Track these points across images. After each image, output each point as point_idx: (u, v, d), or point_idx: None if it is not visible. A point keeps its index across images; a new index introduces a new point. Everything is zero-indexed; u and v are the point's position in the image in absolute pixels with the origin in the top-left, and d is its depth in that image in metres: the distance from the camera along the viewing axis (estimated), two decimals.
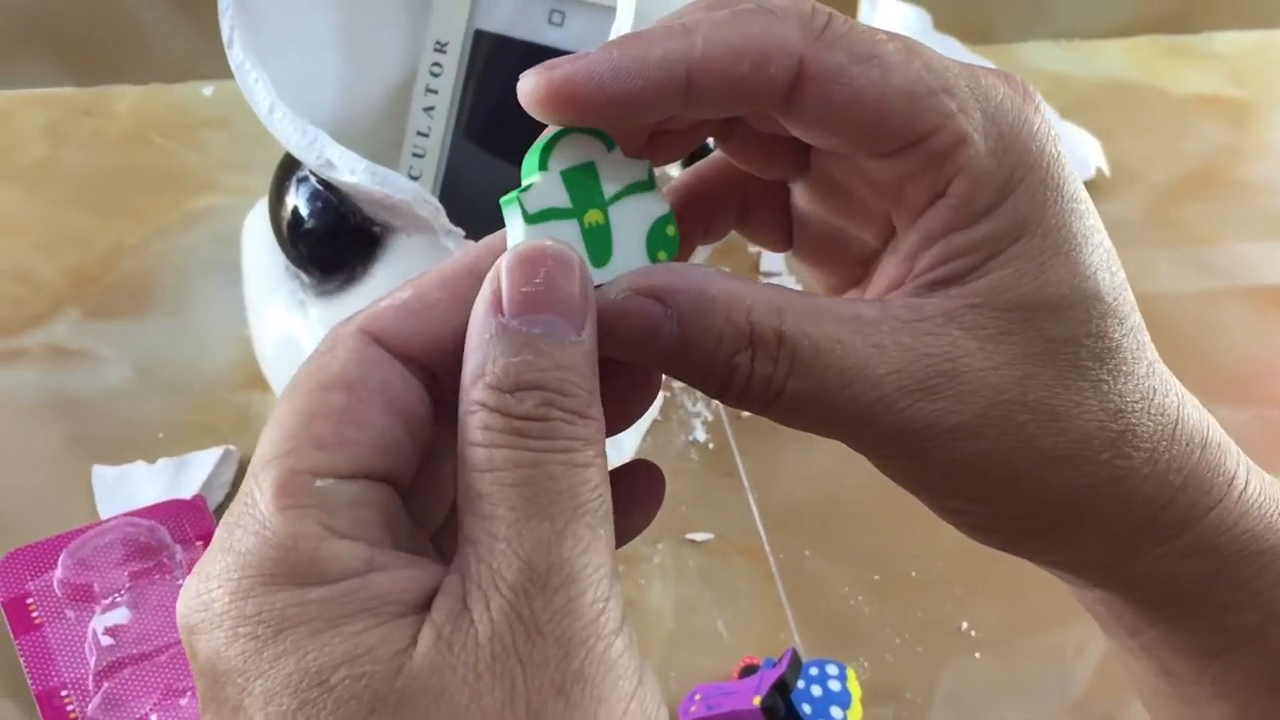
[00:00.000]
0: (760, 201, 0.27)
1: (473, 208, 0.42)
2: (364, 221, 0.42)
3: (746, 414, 0.54)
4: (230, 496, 0.48)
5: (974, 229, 0.23)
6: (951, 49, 0.73)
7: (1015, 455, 0.23)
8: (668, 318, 0.22)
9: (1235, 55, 0.81)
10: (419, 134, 0.47)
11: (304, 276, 0.45)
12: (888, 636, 0.46)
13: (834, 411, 0.22)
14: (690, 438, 0.53)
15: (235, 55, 0.40)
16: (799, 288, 0.59)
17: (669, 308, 0.22)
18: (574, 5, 0.45)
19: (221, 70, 0.67)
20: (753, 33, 0.22)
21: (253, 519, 0.19)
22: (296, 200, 0.44)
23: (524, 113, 0.46)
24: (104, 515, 0.46)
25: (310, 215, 0.43)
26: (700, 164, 0.27)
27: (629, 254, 0.22)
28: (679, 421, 0.53)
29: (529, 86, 0.22)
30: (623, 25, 0.36)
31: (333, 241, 0.43)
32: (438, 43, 0.46)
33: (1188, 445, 0.24)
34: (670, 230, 0.22)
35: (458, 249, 0.41)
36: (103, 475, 0.48)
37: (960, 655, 0.46)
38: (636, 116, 0.22)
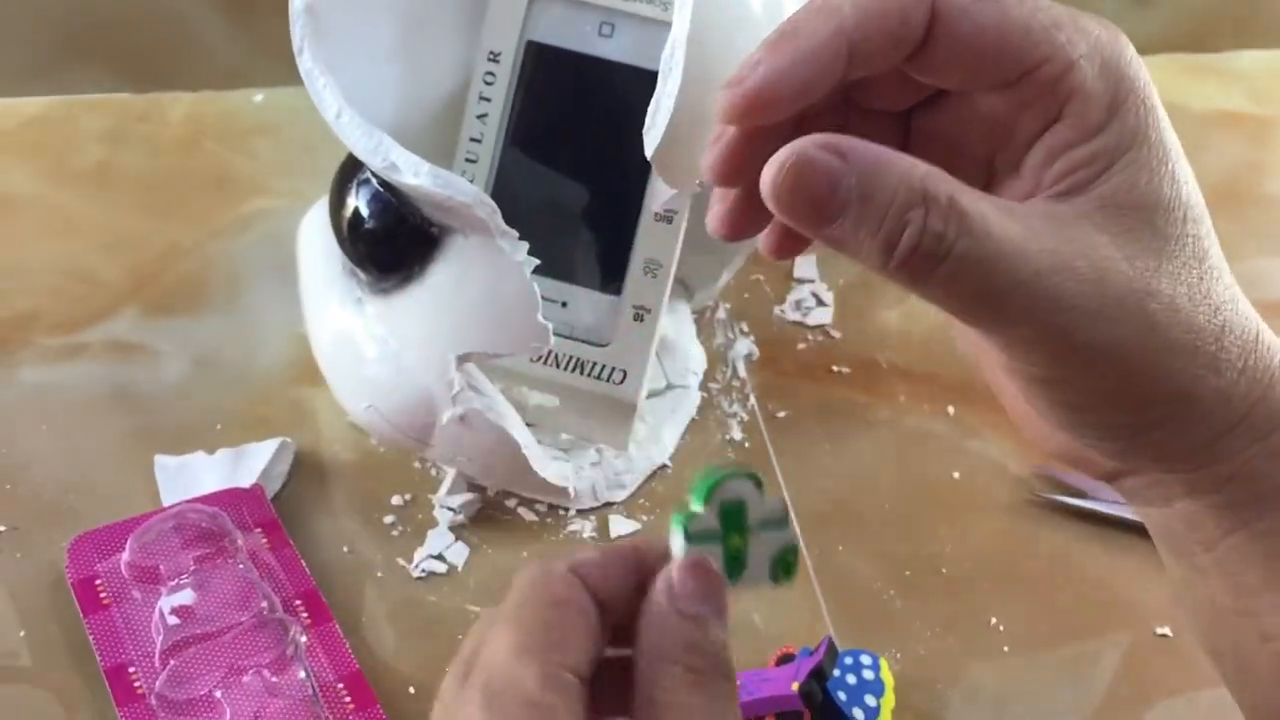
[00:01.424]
0: None
1: (521, 210, 0.44)
2: (422, 222, 0.44)
3: (781, 414, 0.55)
4: (287, 486, 0.50)
5: (1090, 143, 0.26)
6: None
7: (1145, 343, 0.26)
8: (847, 172, 0.24)
9: (1255, 73, 0.83)
10: (472, 140, 0.49)
11: (361, 275, 0.47)
12: (919, 630, 0.48)
13: (991, 281, 0.25)
14: (727, 437, 0.54)
15: (305, 63, 0.42)
16: (830, 293, 0.61)
17: (850, 163, 0.24)
18: (623, 17, 0.47)
19: (270, 78, 0.70)
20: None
21: (522, 696, 0.24)
22: (357, 201, 0.46)
23: (570, 120, 0.48)
24: (166, 502, 0.48)
25: (370, 216, 0.45)
26: None
27: (757, 573, 0.27)
28: (716, 421, 0.55)
29: (725, 103, 0.26)
30: (679, 36, 0.38)
31: (392, 241, 0.45)
32: (491, 53, 0.48)
33: (1269, 350, 0.28)
34: (791, 558, 0.27)
35: (512, 250, 0.43)
36: (165, 464, 0.49)
37: (990, 649, 0.48)
38: (812, 98, 0.26)
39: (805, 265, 0.63)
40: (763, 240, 0.30)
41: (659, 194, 0.44)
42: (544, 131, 0.49)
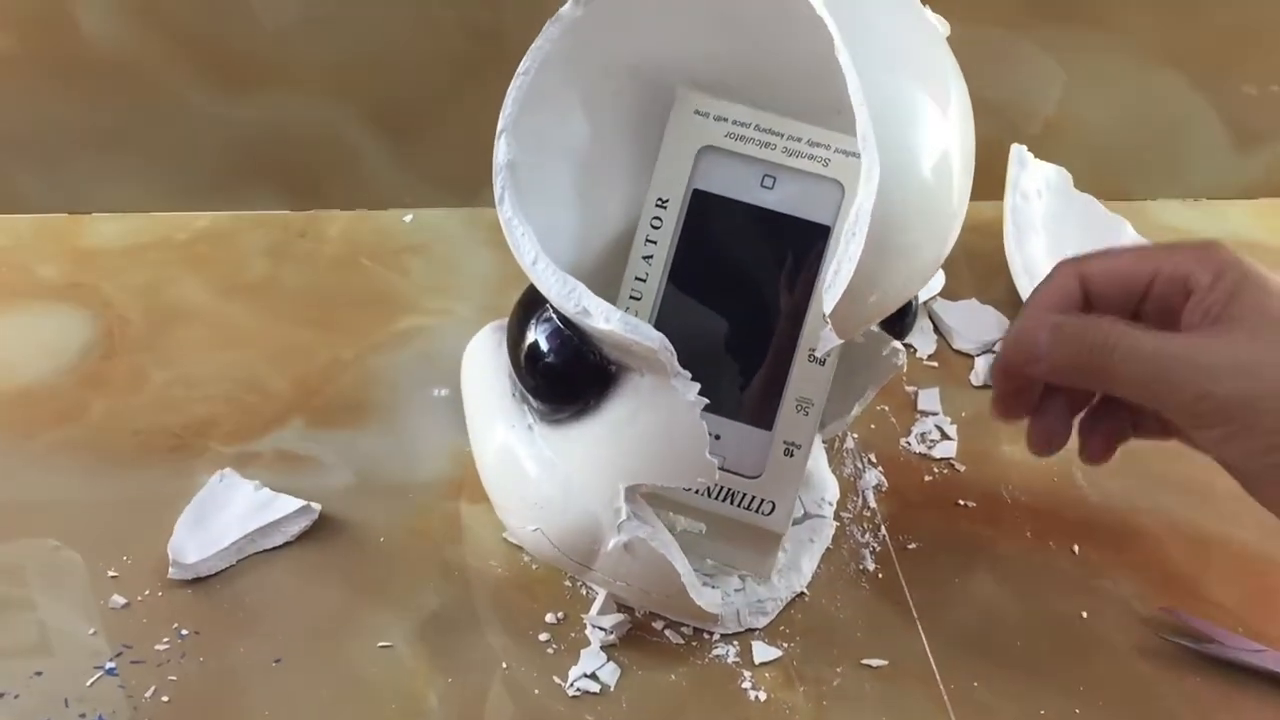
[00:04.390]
0: None
1: (678, 345, 0.46)
2: (601, 360, 0.47)
3: (912, 545, 0.57)
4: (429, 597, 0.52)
5: (1211, 294, 0.43)
6: (1090, 205, 0.77)
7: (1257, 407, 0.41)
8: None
9: None
10: (637, 279, 0.52)
11: (534, 403, 0.50)
12: None
13: (1156, 365, 0.43)
14: (861, 567, 0.56)
15: (505, 211, 0.46)
16: (954, 426, 0.64)
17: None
18: (785, 171, 0.50)
19: (419, 200, 0.74)
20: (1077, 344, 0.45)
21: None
22: (537, 335, 0.49)
23: (729, 263, 0.52)
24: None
25: (550, 351, 0.48)
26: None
27: None
28: (850, 551, 0.57)
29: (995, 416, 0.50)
30: (865, 207, 0.41)
31: (571, 377, 0.48)
32: (660, 199, 0.52)
33: None
34: None
35: (685, 390, 0.45)
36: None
37: None
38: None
39: (928, 398, 0.66)
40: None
41: (822, 341, 0.47)
42: (704, 273, 0.52)
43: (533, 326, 0.49)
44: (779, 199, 0.50)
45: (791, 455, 0.51)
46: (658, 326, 0.46)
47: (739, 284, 0.52)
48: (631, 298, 0.52)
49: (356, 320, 0.66)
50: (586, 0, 0.47)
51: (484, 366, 0.54)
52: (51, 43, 0.65)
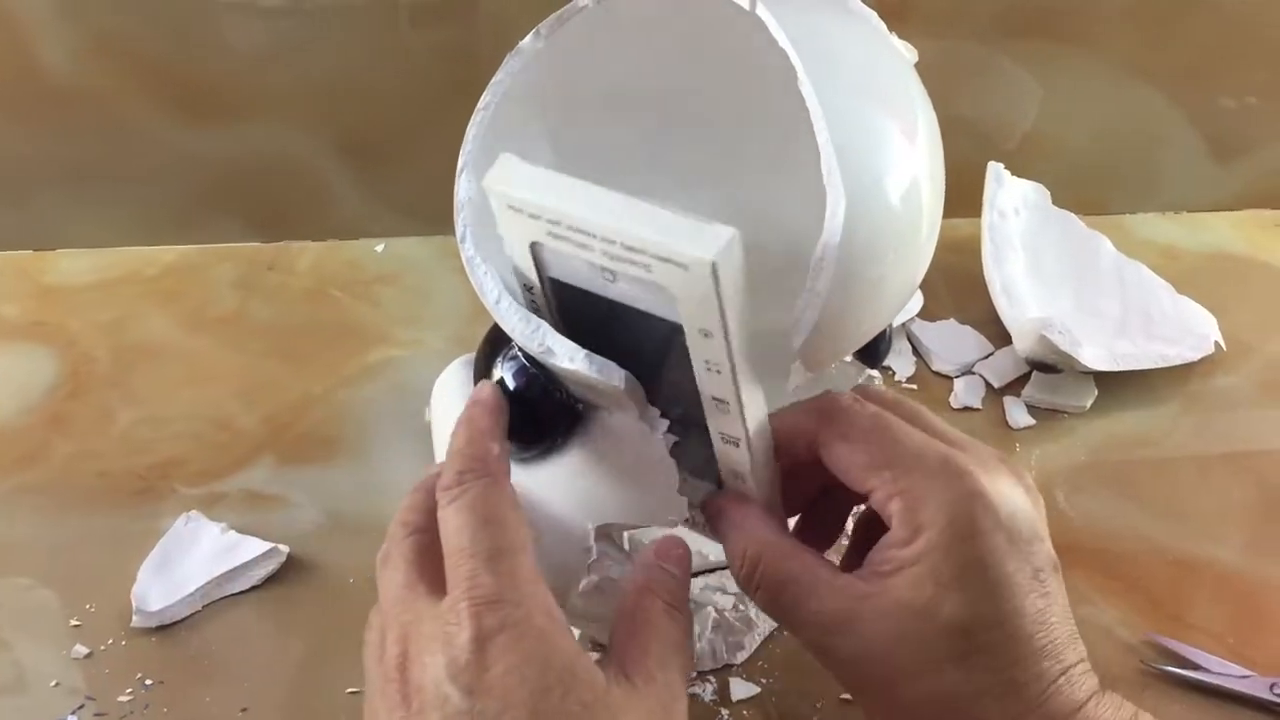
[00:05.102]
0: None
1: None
2: (569, 398, 0.46)
3: None
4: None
5: (896, 551, 0.37)
6: (1068, 221, 0.77)
7: (875, 693, 0.38)
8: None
9: None
10: None
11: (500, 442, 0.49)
12: None
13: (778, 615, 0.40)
14: None
15: (467, 250, 0.45)
16: None
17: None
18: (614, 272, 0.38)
19: (390, 229, 0.74)
20: (789, 424, 0.41)
21: (536, 581, 0.35)
22: (503, 373, 0.48)
23: (617, 353, 0.42)
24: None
25: (517, 389, 0.47)
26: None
27: None
28: None
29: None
30: (830, 242, 0.40)
31: (537, 415, 0.47)
32: (525, 284, 0.42)
33: None
34: None
35: (655, 428, 0.44)
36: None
37: None
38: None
39: None
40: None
41: (792, 375, 0.46)
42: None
43: (499, 364, 0.48)
44: (624, 292, 0.38)
45: None
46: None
47: (639, 371, 0.42)
48: None
49: (327, 353, 0.65)
50: (547, 33, 0.46)
51: (452, 402, 0.53)
52: (11, 76, 0.64)
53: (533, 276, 0.40)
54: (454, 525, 0.35)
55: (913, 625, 0.36)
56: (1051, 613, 0.37)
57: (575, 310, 0.41)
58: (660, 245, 0.34)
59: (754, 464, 0.41)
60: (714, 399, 0.39)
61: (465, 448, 0.38)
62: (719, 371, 0.37)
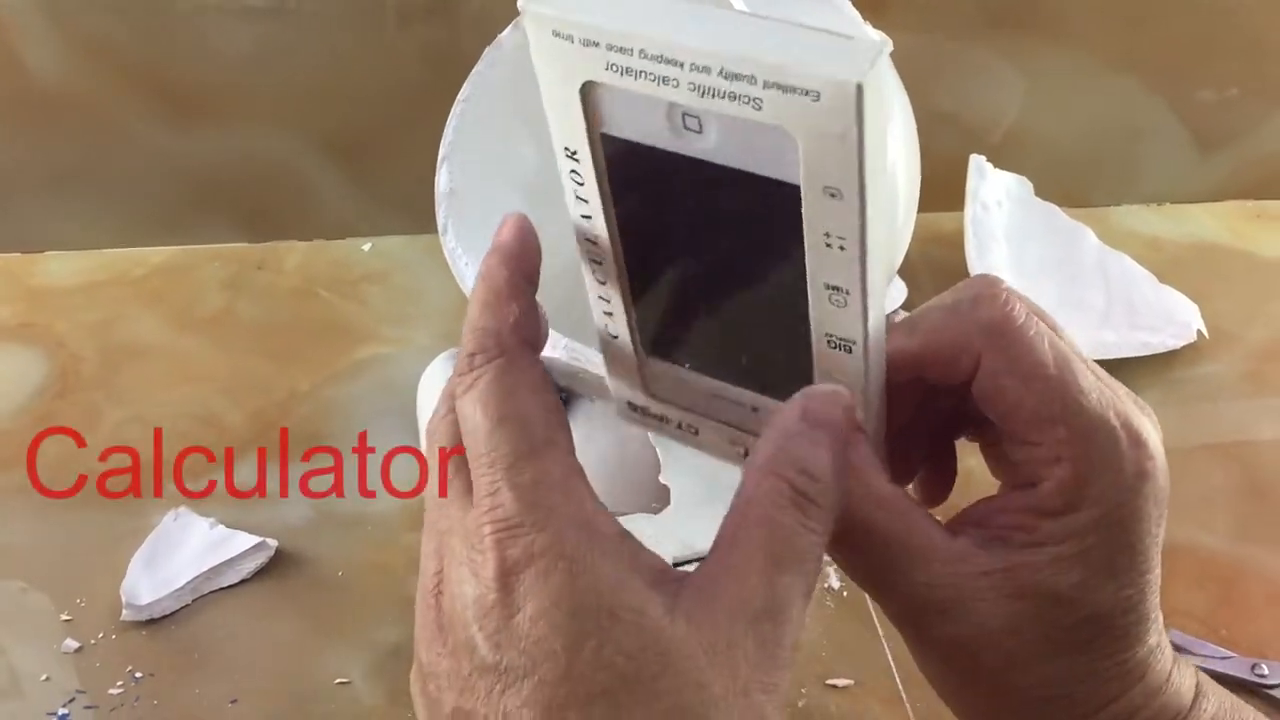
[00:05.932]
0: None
1: (677, 337, 0.35)
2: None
3: None
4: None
5: (1041, 526, 0.30)
6: (1052, 214, 0.77)
7: (982, 679, 0.31)
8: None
9: None
10: (593, 262, 0.36)
11: None
12: None
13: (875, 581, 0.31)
14: (826, 584, 0.56)
15: (449, 243, 0.46)
16: None
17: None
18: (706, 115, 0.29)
19: (377, 228, 0.74)
20: (948, 335, 0.31)
21: (556, 488, 0.27)
22: None
23: (688, 231, 0.31)
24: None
25: None
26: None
27: None
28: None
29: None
30: None
31: None
32: (567, 149, 0.32)
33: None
34: None
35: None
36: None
37: None
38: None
39: None
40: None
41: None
42: (664, 241, 0.33)
43: None
44: (714, 147, 0.29)
45: None
46: (641, 316, 0.34)
47: (704, 248, 0.33)
48: (605, 314, 0.36)
49: (315, 351, 0.65)
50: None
51: (437, 396, 0.54)
52: None
53: (578, 135, 0.30)
54: (469, 425, 0.28)
55: (1049, 612, 0.30)
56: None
57: (634, 182, 0.30)
58: (781, 67, 0.25)
59: (868, 379, 0.31)
60: (828, 287, 0.29)
61: (477, 319, 0.30)
62: (842, 247, 0.28)
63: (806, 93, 0.24)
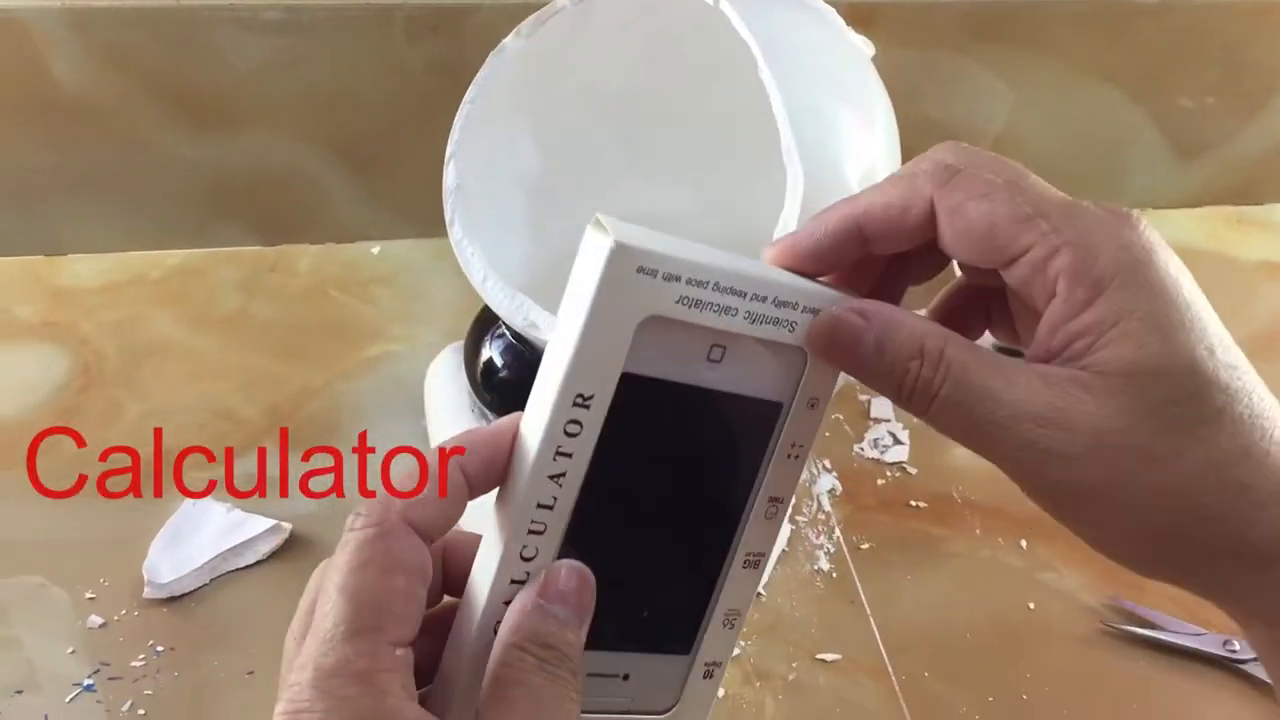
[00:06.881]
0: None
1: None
2: None
3: (865, 545, 0.59)
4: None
5: (1080, 318, 0.30)
6: None
7: (1120, 489, 0.29)
8: (867, 329, 0.31)
9: None
10: (540, 506, 0.31)
11: (491, 417, 0.52)
12: None
13: (971, 420, 0.30)
14: (815, 567, 0.58)
15: (456, 233, 0.48)
16: (906, 432, 0.66)
17: (870, 323, 0.31)
18: (740, 340, 0.32)
19: (386, 232, 0.77)
20: (897, 189, 0.32)
21: (353, 677, 0.26)
22: (492, 352, 0.51)
23: (654, 465, 0.32)
24: None
25: (504, 366, 0.51)
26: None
27: None
28: (804, 553, 0.59)
29: (766, 257, 0.33)
30: (789, 217, 0.44)
31: (524, 389, 0.50)
32: (580, 397, 0.30)
33: None
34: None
35: None
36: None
37: None
38: (839, 259, 0.33)
39: (881, 406, 0.68)
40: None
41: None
42: (624, 483, 0.32)
43: (487, 343, 0.52)
44: (724, 376, 0.32)
45: (711, 676, 0.37)
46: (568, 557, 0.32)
47: (663, 486, 0.34)
48: (531, 532, 0.31)
49: (326, 349, 0.68)
50: (528, 32, 0.50)
51: (444, 386, 0.56)
52: (24, 88, 0.67)
53: (607, 376, 0.30)
54: (322, 583, 0.28)
55: (1148, 386, 0.29)
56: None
57: (628, 422, 0.30)
58: (818, 294, 0.31)
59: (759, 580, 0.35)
60: (771, 500, 0.33)
61: (385, 487, 0.30)
62: (798, 456, 0.33)
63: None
